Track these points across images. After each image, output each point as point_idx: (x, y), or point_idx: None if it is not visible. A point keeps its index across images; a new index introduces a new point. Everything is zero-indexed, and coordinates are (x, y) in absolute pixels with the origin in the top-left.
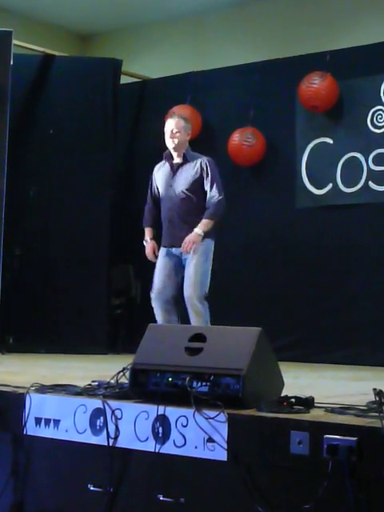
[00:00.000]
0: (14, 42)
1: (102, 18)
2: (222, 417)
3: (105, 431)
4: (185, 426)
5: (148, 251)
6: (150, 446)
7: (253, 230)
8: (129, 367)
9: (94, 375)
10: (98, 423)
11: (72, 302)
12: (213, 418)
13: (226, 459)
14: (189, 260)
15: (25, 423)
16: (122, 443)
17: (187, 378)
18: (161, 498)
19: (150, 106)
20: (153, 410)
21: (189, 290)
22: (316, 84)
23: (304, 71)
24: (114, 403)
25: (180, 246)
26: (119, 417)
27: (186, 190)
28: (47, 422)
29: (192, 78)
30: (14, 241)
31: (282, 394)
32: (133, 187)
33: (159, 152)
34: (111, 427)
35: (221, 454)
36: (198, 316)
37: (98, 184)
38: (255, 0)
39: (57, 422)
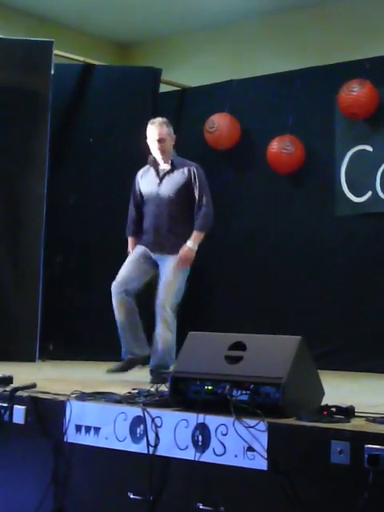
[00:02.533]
0: (55, 51)
1: (142, 26)
2: (262, 426)
3: (145, 439)
4: (224, 435)
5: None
6: (190, 454)
7: (291, 239)
8: (169, 375)
9: (134, 383)
10: (138, 431)
11: (110, 309)
12: (253, 427)
13: (265, 468)
14: (166, 265)
15: (65, 430)
16: (161, 451)
17: (227, 387)
18: (200, 507)
19: (190, 115)
20: (193, 418)
21: (162, 296)
22: (355, 91)
23: (343, 79)
24: (154, 411)
25: (162, 254)
26: (159, 425)
27: (174, 197)
28: (87, 429)
29: (231, 85)
30: (55, 248)
31: (322, 403)
32: None
33: (198, 160)
34: (151, 435)
35: (261, 463)
36: (164, 324)
37: None
38: (294, 8)
39: (97, 430)
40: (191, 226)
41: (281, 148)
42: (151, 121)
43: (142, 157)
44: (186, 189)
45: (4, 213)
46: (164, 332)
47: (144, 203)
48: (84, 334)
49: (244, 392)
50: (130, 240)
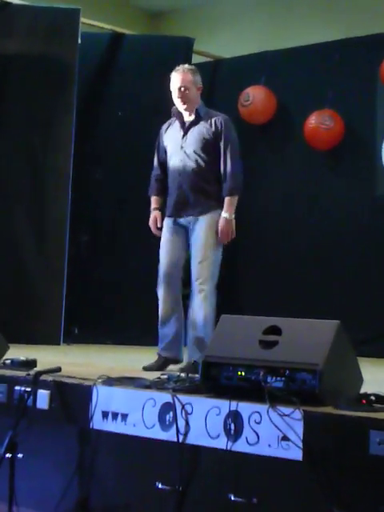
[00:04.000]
0: (82, 20)
1: None
2: (298, 414)
3: (174, 427)
4: (258, 423)
5: (151, 222)
6: (222, 443)
7: (329, 218)
8: (200, 360)
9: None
10: (167, 418)
11: (142, 291)
12: (288, 415)
13: (301, 458)
14: (196, 232)
15: (91, 417)
16: (191, 440)
17: (261, 373)
18: (232, 498)
19: (223, 87)
20: (225, 405)
21: (197, 272)
22: None
23: None
24: (184, 398)
25: (189, 216)
26: (189, 412)
27: (199, 151)
28: (114, 415)
29: (267, 57)
30: (81, 226)
31: (361, 391)
32: None
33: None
34: (181, 423)
35: (296, 453)
36: (204, 301)
37: None
38: None
39: (124, 416)
40: (221, 184)
41: (319, 123)
42: (175, 68)
43: None
44: (213, 143)
45: (28, 188)
46: (202, 304)
47: (168, 160)
48: (111, 317)
49: (279, 378)
50: (153, 199)
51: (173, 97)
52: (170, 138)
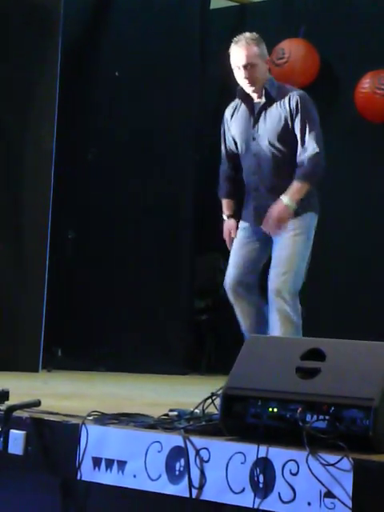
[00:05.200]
0: None
1: None
2: (346, 463)
3: (186, 478)
4: (294, 475)
5: (225, 234)
6: (247, 499)
7: (382, 206)
8: (219, 392)
9: (171, 402)
10: (177, 467)
11: (140, 304)
12: (333, 465)
13: None
14: (279, 239)
15: (79, 465)
16: (208, 495)
17: (299, 409)
18: None
19: None
20: (252, 451)
21: (276, 282)
22: None
23: None
24: (198, 440)
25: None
26: (206, 459)
27: (276, 142)
28: (109, 463)
29: (307, 2)
30: (67, 220)
31: None
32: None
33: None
34: (195, 473)
35: None
36: (285, 320)
37: (178, 145)
38: None
39: (122, 465)
40: None
41: (374, 87)
42: (235, 39)
43: (183, 97)
44: (289, 126)
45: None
46: (282, 326)
47: (239, 153)
48: (104, 336)
49: (321, 417)
50: (225, 204)
51: (236, 76)
52: (238, 127)
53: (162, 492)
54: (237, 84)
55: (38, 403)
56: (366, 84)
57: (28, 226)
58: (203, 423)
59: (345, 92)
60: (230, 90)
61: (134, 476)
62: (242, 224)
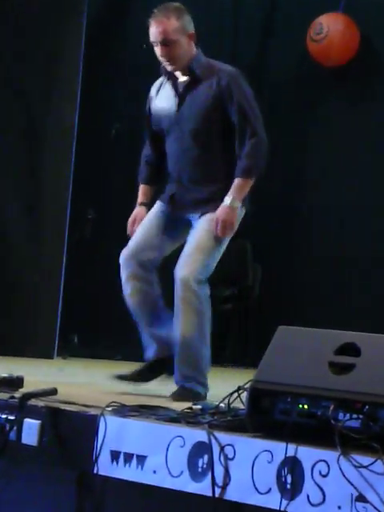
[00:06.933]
0: None
1: None
2: (380, 466)
3: (209, 476)
4: (324, 476)
5: (129, 220)
6: (274, 500)
7: None
8: (247, 386)
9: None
10: (200, 464)
11: (165, 288)
12: (366, 467)
13: None
14: (197, 227)
15: (96, 458)
16: (232, 495)
17: (331, 407)
18: None
19: (284, 15)
20: (279, 449)
21: (185, 269)
22: None
23: None
24: (223, 436)
25: (187, 213)
26: (231, 456)
27: (200, 125)
28: (128, 457)
29: None
30: (87, 199)
31: None
32: None
33: (297, 82)
34: (219, 471)
35: None
36: (188, 307)
37: None
38: None
39: (141, 459)
40: (233, 169)
41: None
42: (153, 11)
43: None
44: (218, 110)
45: (20, 150)
46: (186, 317)
47: (163, 132)
48: (121, 324)
49: (355, 416)
50: (141, 189)
51: (155, 52)
52: (163, 107)
53: (184, 490)
54: None
55: (54, 391)
56: None
57: (47, 205)
58: (229, 418)
59: None
60: None
61: (154, 472)
62: (157, 205)
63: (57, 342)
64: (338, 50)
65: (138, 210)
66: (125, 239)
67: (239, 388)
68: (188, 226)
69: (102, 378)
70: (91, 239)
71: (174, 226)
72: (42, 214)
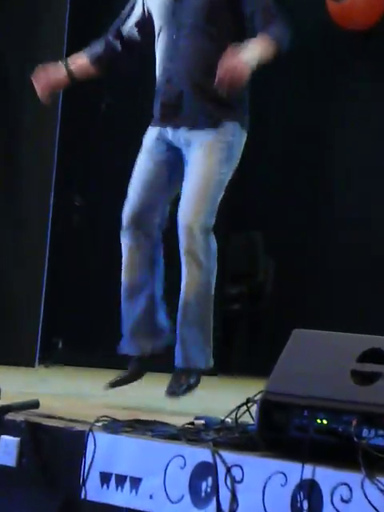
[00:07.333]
0: None
1: None
2: None
3: (214, 502)
4: (346, 502)
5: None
6: None
7: None
8: (257, 398)
9: (195, 409)
10: (203, 487)
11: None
12: None
13: None
14: (195, 156)
15: (84, 481)
16: None
17: (354, 422)
18: None
19: None
20: (295, 470)
21: (188, 211)
22: None
23: None
24: (230, 456)
25: (181, 127)
26: (238, 479)
27: (201, 21)
28: (120, 480)
29: None
30: (73, 184)
31: None
32: (265, 116)
33: (316, 46)
34: (224, 495)
35: None
36: (193, 262)
37: None
38: None
39: (136, 482)
40: None
41: None
42: None
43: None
44: (224, 7)
45: None
46: (193, 273)
47: (156, 33)
48: (112, 327)
49: (381, 432)
50: (73, 57)
51: None
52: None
53: None
54: None
55: (36, 404)
56: None
57: (27, 190)
58: (236, 435)
59: None
60: None
61: (151, 496)
62: (148, 134)
63: (39, 348)
64: (361, 13)
65: (56, 65)
66: (116, 229)
67: (248, 400)
68: (181, 151)
69: (91, 389)
70: (78, 229)
71: (172, 161)
72: (21, 201)
